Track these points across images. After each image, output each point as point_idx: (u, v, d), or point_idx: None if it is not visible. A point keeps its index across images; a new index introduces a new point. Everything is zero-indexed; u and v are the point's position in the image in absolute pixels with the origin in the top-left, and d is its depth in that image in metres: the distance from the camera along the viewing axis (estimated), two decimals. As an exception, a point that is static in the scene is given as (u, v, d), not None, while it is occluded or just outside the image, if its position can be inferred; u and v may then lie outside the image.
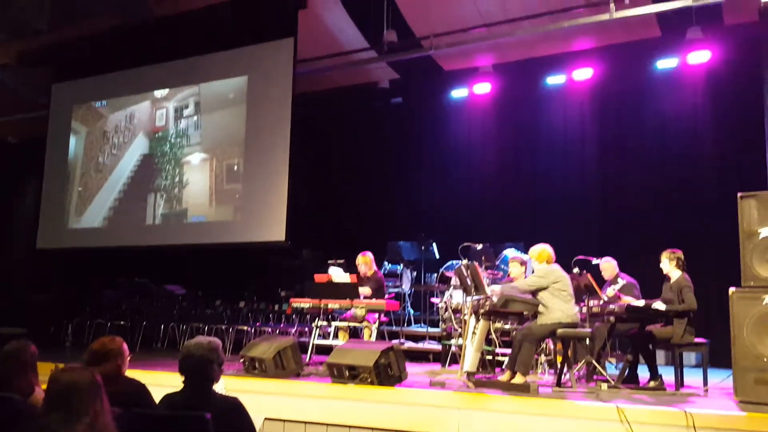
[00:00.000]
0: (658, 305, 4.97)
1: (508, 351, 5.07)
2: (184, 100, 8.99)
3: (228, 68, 8.60)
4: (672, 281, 5.04)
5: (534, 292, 4.75)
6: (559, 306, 4.66)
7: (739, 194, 4.35)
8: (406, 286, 7.91)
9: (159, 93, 9.20)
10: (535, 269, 4.90)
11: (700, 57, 7.65)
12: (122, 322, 8.03)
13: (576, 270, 5.29)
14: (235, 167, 8.34)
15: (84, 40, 9.12)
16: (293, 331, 7.29)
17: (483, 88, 9.02)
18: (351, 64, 8.86)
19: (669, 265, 5.05)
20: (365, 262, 6.42)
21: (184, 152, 8.82)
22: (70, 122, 9.89)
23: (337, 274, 6.34)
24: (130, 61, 9.29)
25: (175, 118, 9.01)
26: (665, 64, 8.02)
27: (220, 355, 2.79)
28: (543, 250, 4.90)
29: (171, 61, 9.02)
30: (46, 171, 9.94)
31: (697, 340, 4.90)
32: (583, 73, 8.42)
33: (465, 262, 5.30)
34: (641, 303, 5.10)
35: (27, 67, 9.71)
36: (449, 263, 7.15)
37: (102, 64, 9.51)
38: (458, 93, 9.43)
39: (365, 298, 6.04)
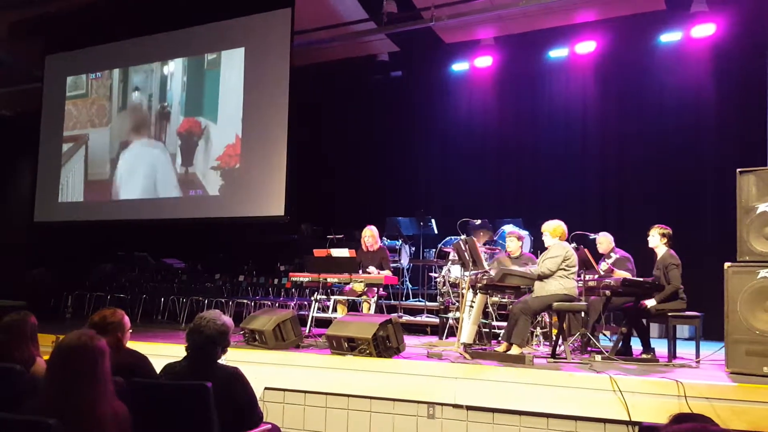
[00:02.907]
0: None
1: (505, 324, 5.14)
2: (180, 72, 8.89)
3: (224, 39, 8.48)
4: (658, 258, 5.08)
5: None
6: (560, 281, 4.71)
7: (738, 170, 4.36)
8: (404, 261, 7.95)
9: (155, 64, 9.09)
10: (548, 243, 4.92)
11: (704, 30, 7.55)
12: (122, 295, 8.08)
13: (573, 245, 5.32)
14: (234, 141, 8.30)
15: (77, 10, 8.96)
16: (293, 304, 7.35)
17: (484, 61, 8.91)
18: (349, 35, 8.74)
19: (658, 240, 5.09)
20: (372, 234, 6.43)
21: (180, 125, 8.76)
22: (65, 94, 9.79)
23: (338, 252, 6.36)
24: (124, 32, 9.15)
25: (171, 90, 8.92)
26: (669, 37, 7.92)
27: (227, 339, 2.80)
28: (558, 226, 4.93)
29: (166, 32, 8.89)
30: (42, 144, 9.87)
31: (691, 312, 4.96)
32: (586, 47, 8.32)
33: (463, 237, 5.32)
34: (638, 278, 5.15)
35: (19, 38, 9.56)
36: (448, 239, 7.17)
37: (96, 35, 9.37)
38: (459, 66, 9.32)
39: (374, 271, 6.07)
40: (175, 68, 8.92)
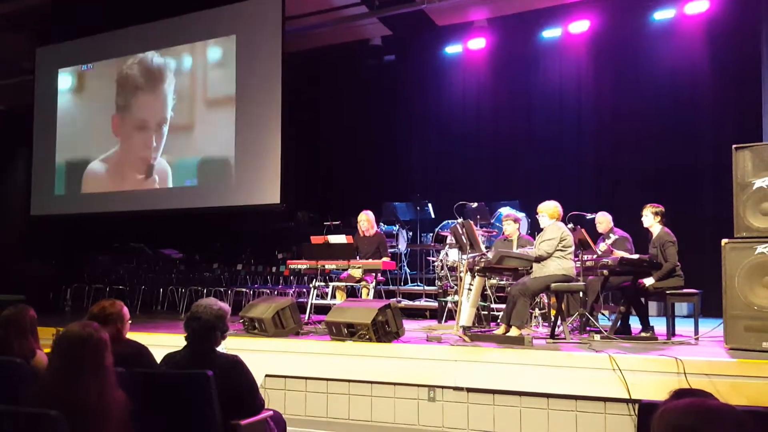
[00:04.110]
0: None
1: (503, 306, 5.15)
2: (171, 62, 8.79)
3: (215, 27, 8.39)
4: (654, 236, 5.09)
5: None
6: (558, 261, 4.72)
7: (734, 146, 4.34)
8: (402, 246, 7.95)
9: (145, 54, 8.98)
10: (544, 225, 4.92)
11: (697, 7, 7.52)
12: (121, 287, 8.07)
13: (570, 225, 5.33)
14: (227, 130, 8.23)
15: (66, 1, 8.84)
16: (291, 292, 7.36)
17: (478, 43, 8.85)
18: (341, 20, 8.64)
19: (652, 219, 5.09)
20: (367, 219, 6.41)
21: (173, 115, 8.69)
22: (57, 86, 9.69)
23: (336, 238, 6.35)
24: (114, 23, 9.03)
25: (162, 80, 8.83)
26: (663, 15, 7.88)
27: (225, 323, 2.82)
28: (555, 207, 4.94)
29: (156, 21, 8.78)
30: (35, 137, 9.80)
31: (689, 290, 4.98)
32: (580, 26, 8.27)
33: (460, 220, 5.32)
34: (635, 257, 5.16)
35: (8, 31, 9.43)
36: (444, 223, 7.17)
37: (86, 26, 9.25)
38: (452, 49, 9.25)
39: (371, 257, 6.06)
40: (166, 58, 8.83)
